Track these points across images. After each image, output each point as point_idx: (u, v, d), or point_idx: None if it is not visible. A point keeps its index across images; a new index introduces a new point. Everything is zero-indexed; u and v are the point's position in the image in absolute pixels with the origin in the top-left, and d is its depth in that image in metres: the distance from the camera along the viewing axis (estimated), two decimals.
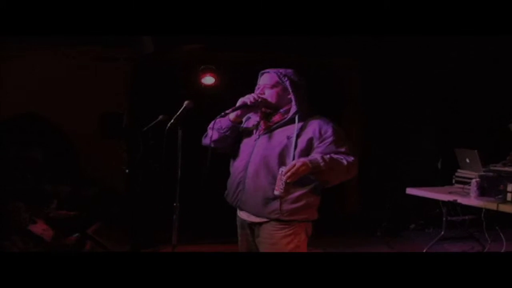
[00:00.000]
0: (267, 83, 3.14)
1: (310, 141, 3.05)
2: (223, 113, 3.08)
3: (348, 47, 6.79)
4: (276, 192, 2.95)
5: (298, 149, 3.03)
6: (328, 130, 3.06)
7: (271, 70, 3.15)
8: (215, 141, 3.13)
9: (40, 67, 6.39)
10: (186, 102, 3.19)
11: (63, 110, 6.41)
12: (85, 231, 5.59)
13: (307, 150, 3.05)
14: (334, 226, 7.24)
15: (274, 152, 3.06)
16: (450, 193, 5.76)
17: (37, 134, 6.23)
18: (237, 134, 3.21)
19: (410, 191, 6.18)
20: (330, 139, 3.04)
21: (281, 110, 3.13)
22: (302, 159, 2.95)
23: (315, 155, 2.99)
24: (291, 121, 3.10)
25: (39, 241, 5.25)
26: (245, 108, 3.10)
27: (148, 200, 3.55)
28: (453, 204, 5.89)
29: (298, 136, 3.05)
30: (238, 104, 3.09)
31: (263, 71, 3.18)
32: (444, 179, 6.48)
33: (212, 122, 3.16)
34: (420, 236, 7.08)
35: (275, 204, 3.04)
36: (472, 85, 7.27)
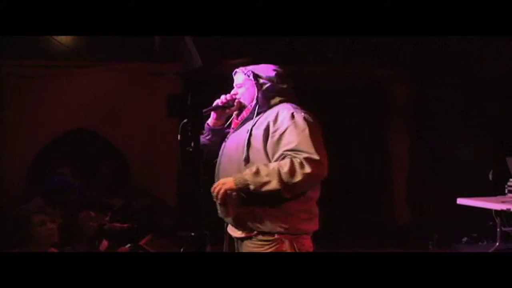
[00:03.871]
0: (238, 83, 2.96)
1: (266, 132, 2.72)
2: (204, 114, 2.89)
3: (396, 56, 6.79)
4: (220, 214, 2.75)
5: (252, 146, 2.72)
6: (286, 118, 2.70)
7: (239, 69, 2.96)
8: (203, 146, 2.83)
9: (92, 83, 6.59)
10: None
11: (114, 124, 6.58)
12: (137, 243, 5.70)
13: (263, 143, 2.71)
14: (385, 239, 7.16)
15: (236, 151, 2.79)
16: (503, 202, 5.64)
17: (94, 148, 6.44)
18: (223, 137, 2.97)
19: (461, 201, 6.07)
20: (282, 129, 2.68)
21: (249, 106, 2.90)
22: (227, 179, 2.68)
23: (252, 167, 2.64)
24: (253, 113, 2.85)
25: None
26: (219, 109, 2.92)
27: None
28: (507, 214, 5.76)
29: (254, 128, 2.76)
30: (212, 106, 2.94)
31: (235, 71, 3.01)
32: (496, 190, 6.34)
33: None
34: (474, 249, 6.91)
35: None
36: None
